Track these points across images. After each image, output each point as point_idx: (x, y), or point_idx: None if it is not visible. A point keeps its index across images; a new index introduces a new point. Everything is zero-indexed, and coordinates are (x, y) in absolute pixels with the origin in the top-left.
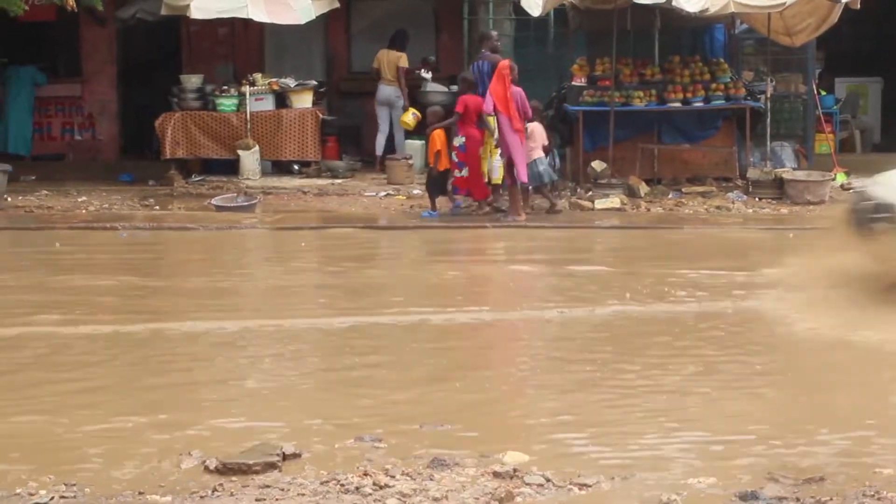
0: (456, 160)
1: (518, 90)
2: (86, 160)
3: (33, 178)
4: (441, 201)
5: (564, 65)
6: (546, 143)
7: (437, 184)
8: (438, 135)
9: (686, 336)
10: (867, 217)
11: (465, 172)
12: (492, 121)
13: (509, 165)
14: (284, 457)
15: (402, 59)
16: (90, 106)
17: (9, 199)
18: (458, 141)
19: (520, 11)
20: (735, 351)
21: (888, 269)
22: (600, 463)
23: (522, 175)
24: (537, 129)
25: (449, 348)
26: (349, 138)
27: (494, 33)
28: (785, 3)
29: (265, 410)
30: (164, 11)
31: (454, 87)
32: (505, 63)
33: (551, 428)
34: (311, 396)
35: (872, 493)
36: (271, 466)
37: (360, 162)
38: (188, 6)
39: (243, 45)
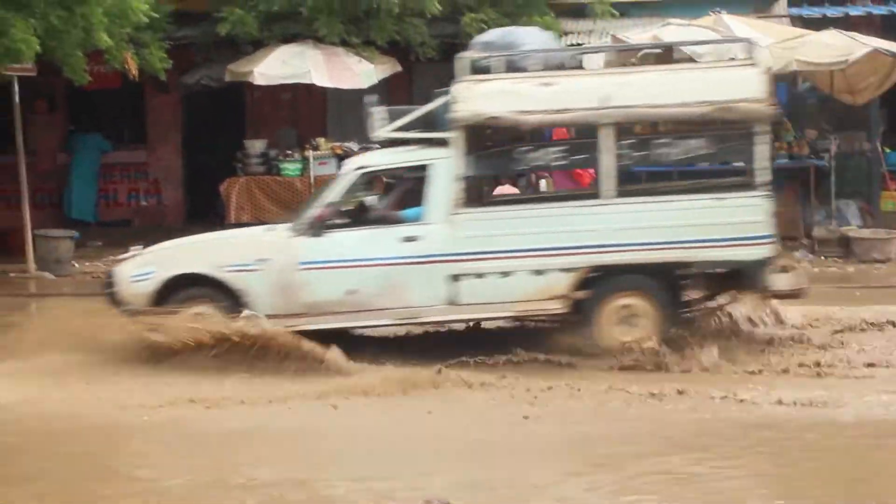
0: None
1: None
2: (152, 226)
3: (100, 243)
4: None
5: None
6: None
7: None
8: None
9: None
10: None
11: None
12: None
13: None
14: None
15: None
16: (155, 172)
17: (76, 265)
18: None
19: None
20: None
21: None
22: None
23: None
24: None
25: None
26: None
27: None
28: (847, 61)
29: None
30: (228, 78)
31: None
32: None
33: None
34: None
35: None
36: None
37: None
38: (252, 72)
39: (306, 110)
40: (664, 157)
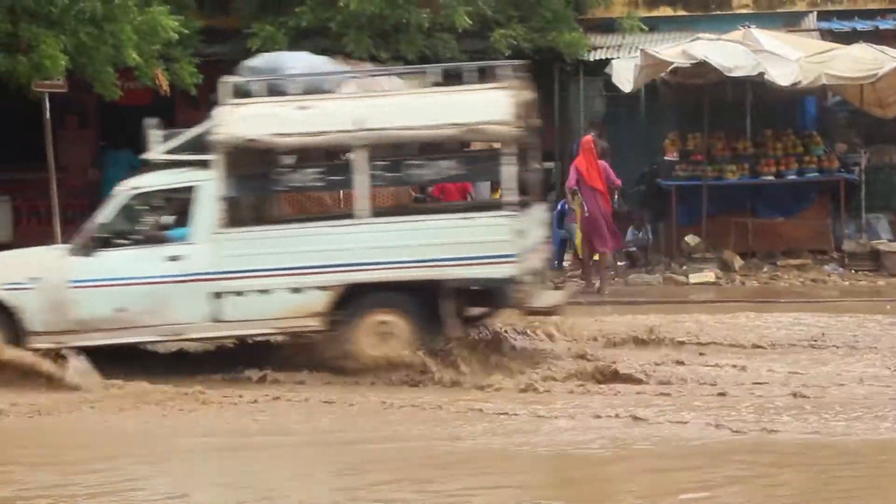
0: None
1: (603, 164)
2: None
3: None
4: None
5: (656, 140)
6: None
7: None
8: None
9: None
10: None
11: None
12: (575, 195)
13: (589, 241)
14: None
15: None
16: None
17: None
18: None
19: (611, 87)
20: None
21: None
22: None
23: (606, 245)
24: None
25: None
26: None
27: (602, 122)
28: (877, 75)
29: None
30: None
31: (546, 164)
32: (588, 138)
33: None
34: None
35: None
36: None
37: None
38: None
39: None
40: (417, 177)
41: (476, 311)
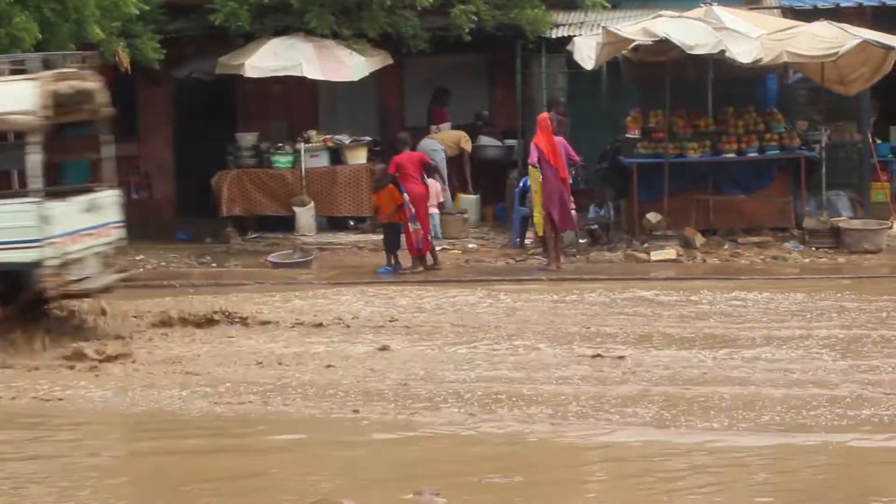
0: (408, 215)
1: (561, 140)
2: (143, 219)
3: None
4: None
5: (618, 117)
6: (441, 200)
7: (394, 240)
8: (393, 191)
9: None
10: None
11: (417, 226)
12: (535, 172)
13: (550, 216)
14: None
15: (465, 141)
16: (146, 165)
17: None
18: (406, 198)
19: (573, 65)
20: None
21: None
22: None
23: (566, 223)
24: (434, 187)
25: None
26: None
27: (563, 100)
28: (838, 53)
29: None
30: (218, 70)
31: (508, 141)
32: (544, 115)
33: None
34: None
35: None
36: None
37: None
38: (243, 65)
39: (297, 103)
40: None
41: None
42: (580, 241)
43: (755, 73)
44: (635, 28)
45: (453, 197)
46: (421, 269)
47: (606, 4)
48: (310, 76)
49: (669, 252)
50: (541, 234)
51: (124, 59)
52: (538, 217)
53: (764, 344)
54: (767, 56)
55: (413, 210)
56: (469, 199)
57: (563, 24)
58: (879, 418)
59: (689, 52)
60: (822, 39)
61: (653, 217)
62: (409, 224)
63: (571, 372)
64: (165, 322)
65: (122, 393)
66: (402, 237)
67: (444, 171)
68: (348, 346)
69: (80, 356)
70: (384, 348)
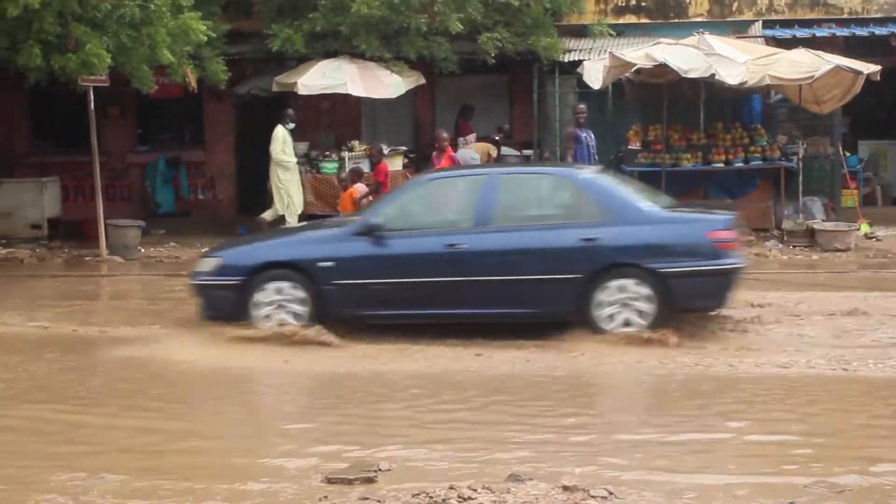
0: None
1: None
2: (207, 217)
3: (163, 232)
4: None
5: (621, 131)
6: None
7: None
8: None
9: None
10: None
11: None
12: None
13: None
14: (380, 471)
15: (493, 150)
16: (211, 170)
17: (142, 249)
18: None
19: (582, 85)
20: None
21: None
22: None
23: None
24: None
25: None
26: None
27: (582, 106)
28: (814, 76)
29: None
30: (275, 88)
31: (526, 151)
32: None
33: None
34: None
35: None
36: (369, 480)
37: None
38: (296, 83)
39: (342, 116)
40: None
41: None
42: None
43: (741, 93)
44: (637, 53)
45: None
46: None
47: (612, 33)
48: (354, 93)
49: None
50: None
51: (192, 79)
52: None
53: None
54: (752, 79)
55: None
56: None
57: (575, 50)
58: None
59: (684, 74)
60: (800, 65)
61: None
62: None
63: None
64: None
65: None
66: None
67: None
68: None
69: None
70: None
